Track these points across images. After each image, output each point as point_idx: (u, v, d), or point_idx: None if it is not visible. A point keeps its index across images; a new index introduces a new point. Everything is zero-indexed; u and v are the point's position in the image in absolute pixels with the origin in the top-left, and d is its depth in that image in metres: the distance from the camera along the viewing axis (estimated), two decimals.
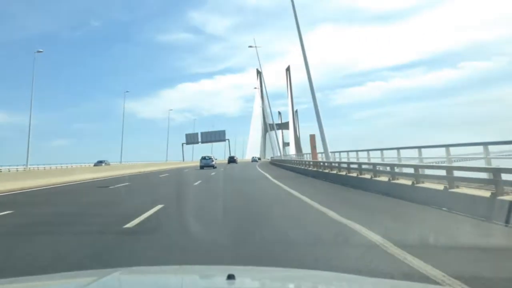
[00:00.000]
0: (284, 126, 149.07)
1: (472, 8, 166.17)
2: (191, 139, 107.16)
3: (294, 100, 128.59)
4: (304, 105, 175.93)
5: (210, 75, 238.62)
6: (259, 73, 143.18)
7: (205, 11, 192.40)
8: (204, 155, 45.54)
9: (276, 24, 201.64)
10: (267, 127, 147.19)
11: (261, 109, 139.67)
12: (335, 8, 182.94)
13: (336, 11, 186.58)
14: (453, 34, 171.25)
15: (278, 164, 41.15)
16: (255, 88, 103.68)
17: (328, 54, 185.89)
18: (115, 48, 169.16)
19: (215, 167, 40.09)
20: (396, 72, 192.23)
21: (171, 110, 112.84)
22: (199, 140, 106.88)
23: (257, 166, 40.64)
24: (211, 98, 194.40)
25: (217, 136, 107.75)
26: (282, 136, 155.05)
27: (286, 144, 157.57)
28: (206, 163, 42.02)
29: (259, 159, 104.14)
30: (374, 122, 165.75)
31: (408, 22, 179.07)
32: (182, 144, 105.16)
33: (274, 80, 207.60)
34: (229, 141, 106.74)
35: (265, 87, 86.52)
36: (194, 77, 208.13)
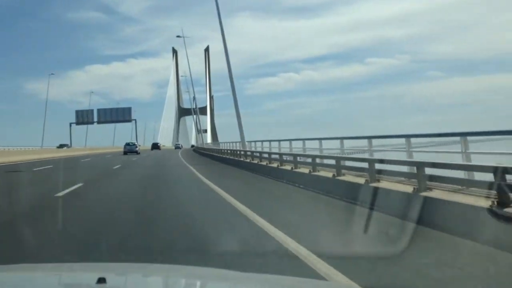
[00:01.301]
0: (200, 111, 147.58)
1: (379, 6, 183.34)
2: (83, 117, 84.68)
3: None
4: (220, 93, 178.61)
5: (122, 57, 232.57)
6: (174, 52, 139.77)
7: None
8: (128, 141, 52.80)
9: (194, 9, 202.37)
10: (182, 113, 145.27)
11: (175, 92, 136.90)
12: None
13: (255, 1, 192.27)
14: (362, 30, 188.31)
15: (203, 153, 39.69)
16: (181, 76, 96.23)
17: (244, 43, 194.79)
18: (18, 24, 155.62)
19: (139, 153, 44.14)
20: (308, 65, 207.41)
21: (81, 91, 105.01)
22: (95, 119, 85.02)
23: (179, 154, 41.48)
24: (123, 82, 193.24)
25: (120, 115, 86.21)
26: (199, 122, 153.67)
27: (204, 131, 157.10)
28: (130, 149, 46.49)
29: (181, 146, 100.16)
30: (287, 113, 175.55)
31: (321, 16, 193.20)
32: (70, 124, 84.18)
33: (191, 66, 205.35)
34: (136, 122, 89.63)
35: (182, 76, 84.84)
36: (105, 59, 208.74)
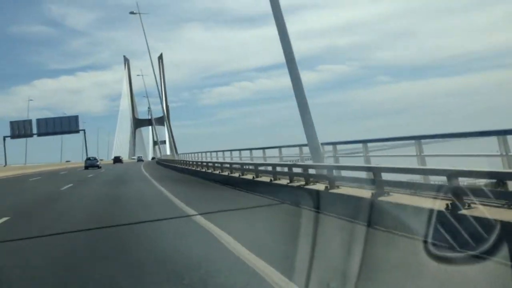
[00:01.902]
0: (157, 122, 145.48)
1: (328, 16, 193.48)
2: (19, 129, 73.73)
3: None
4: (174, 103, 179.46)
5: (71, 71, 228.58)
6: (126, 60, 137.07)
7: (63, 3, 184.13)
8: (89, 156, 57.16)
9: (143, 21, 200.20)
10: (137, 124, 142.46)
11: (129, 103, 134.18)
12: (203, 8, 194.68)
13: (204, 11, 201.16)
14: (313, 38, 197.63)
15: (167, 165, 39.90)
16: (139, 74, 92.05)
17: (196, 54, 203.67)
18: None
19: (100, 167, 45.70)
20: (261, 73, 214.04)
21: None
22: (34, 131, 73.94)
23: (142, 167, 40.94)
24: (73, 96, 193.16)
25: (66, 125, 74.26)
26: (156, 133, 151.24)
27: (161, 142, 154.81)
28: (91, 163, 48.22)
29: (153, 158, 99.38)
30: (241, 122, 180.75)
31: (272, 25, 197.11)
32: (4, 138, 73.94)
33: (143, 78, 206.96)
34: (84, 132, 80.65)
35: (133, 85, 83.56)
36: (53, 73, 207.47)
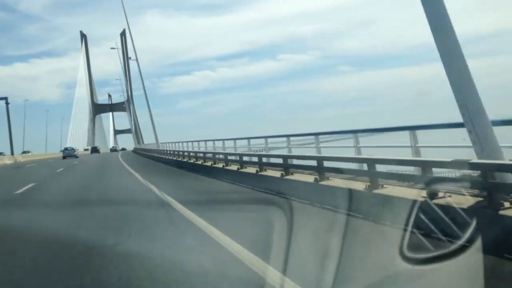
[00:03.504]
0: (118, 108, 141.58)
1: (289, 3, 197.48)
2: None
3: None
4: (134, 92, 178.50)
5: (25, 58, 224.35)
6: (83, 36, 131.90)
7: None
8: (67, 146, 63.66)
9: (100, 6, 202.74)
10: (96, 110, 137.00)
11: (87, 84, 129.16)
12: None
13: None
14: (273, 27, 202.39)
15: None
16: (113, 48, 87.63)
17: (155, 41, 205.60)
18: None
19: (77, 157, 49.92)
20: (223, 62, 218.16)
21: None
22: None
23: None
24: (28, 83, 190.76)
25: None
26: (113, 121, 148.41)
27: (122, 131, 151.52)
28: (69, 153, 51.82)
29: (123, 149, 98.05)
30: (202, 111, 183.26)
31: (232, 13, 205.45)
32: None
33: (103, 66, 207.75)
34: (7, 101, 63.69)
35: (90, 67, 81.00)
36: (5, 60, 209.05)
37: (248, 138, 16.38)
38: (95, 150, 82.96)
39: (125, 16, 38.89)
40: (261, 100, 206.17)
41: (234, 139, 17.91)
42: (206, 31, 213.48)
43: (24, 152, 79.04)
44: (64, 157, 49.82)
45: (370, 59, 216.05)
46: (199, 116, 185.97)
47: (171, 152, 28.99)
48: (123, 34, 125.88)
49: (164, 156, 29.90)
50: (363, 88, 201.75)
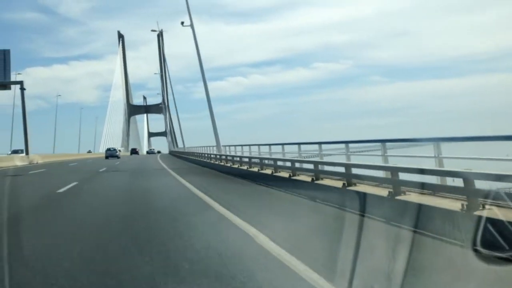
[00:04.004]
0: (154, 110, 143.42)
1: (323, 12, 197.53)
2: None
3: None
4: (169, 96, 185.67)
5: (64, 60, 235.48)
6: (120, 37, 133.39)
7: None
8: (109, 146, 65.93)
9: (137, 12, 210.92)
10: (132, 111, 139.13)
11: (123, 86, 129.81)
12: (197, 1, 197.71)
13: (198, 4, 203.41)
14: (307, 35, 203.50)
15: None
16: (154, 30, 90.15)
17: (190, 47, 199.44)
18: None
19: (119, 157, 53.73)
20: (255, 69, 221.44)
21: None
22: None
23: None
24: (66, 85, 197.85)
25: None
26: (147, 123, 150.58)
27: (157, 134, 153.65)
28: (111, 154, 55.90)
29: (158, 151, 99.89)
30: (234, 117, 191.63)
31: (267, 21, 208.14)
32: None
33: (135, 70, 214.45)
34: (22, 86, 50.10)
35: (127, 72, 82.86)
36: (46, 61, 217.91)
37: (299, 144, 14.87)
38: (134, 151, 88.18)
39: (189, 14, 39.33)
40: (292, 108, 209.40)
41: (282, 144, 16.52)
42: (240, 38, 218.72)
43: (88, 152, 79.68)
44: (106, 157, 53.50)
45: (402, 70, 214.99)
46: (231, 121, 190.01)
47: (216, 156, 26.81)
48: (160, 35, 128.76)
49: (208, 161, 28.16)
50: (395, 98, 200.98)
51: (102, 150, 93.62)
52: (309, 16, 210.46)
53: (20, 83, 51.04)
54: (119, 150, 64.45)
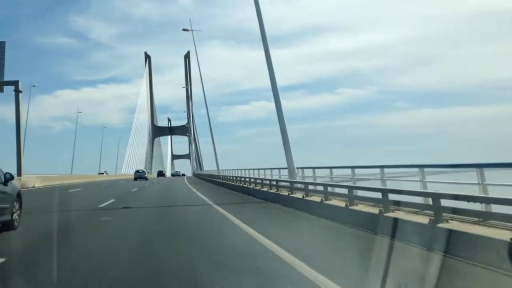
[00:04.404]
0: (178, 131, 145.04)
1: (348, 38, 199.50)
2: None
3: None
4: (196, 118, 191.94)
5: (93, 83, 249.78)
6: (147, 57, 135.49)
7: (89, 16, 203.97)
8: (138, 168, 67.35)
9: (164, 37, 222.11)
10: (156, 133, 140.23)
11: (148, 107, 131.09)
12: (223, 27, 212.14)
13: (225, 30, 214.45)
14: (333, 61, 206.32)
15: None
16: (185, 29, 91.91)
17: (215, 71, 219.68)
18: None
19: (147, 179, 55.38)
20: (280, 93, 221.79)
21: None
22: None
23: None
24: (93, 107, 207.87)
25: None
26: (171, 145, 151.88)
27: (180, 157, 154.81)
28: (140, 175, 57.25)
29: (183, 174, 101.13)
30: (258, 140, 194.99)
31: (292, 46, 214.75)
32: None
33: (161, 94, 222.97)
34: (17, 91, 41.67)
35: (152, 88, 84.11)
36: (75, 84, 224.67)
37: (330, 168, 14.83)
38: (161, 174, 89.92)
39: None
40: (316, 133, 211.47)
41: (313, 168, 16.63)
42: (264, 63, 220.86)
43: (100, 173, 79.57)
44: (135, 179, 54.71)
45: (428, 96, 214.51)
46: (254, 145, 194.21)
47: (244, 179, 26.57)
48: (187, 56, 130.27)
49: (236, 184, 27.81)
50: (421, 125, 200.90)
51: (124, 171, 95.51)
52: (334, 42, 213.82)
53: (15, 83, 41.38)
54: (148, 173, 66.70)
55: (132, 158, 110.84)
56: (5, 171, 9.66)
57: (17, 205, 9.82)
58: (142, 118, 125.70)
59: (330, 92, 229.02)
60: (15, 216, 9.60)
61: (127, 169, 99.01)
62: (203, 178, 55.61)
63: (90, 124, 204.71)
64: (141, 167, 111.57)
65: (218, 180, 38.54)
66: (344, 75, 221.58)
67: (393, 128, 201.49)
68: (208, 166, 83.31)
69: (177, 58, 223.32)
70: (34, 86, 56.65)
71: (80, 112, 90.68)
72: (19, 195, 10.06)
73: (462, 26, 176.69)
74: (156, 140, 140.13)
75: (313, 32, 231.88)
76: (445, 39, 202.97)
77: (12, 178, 9.69)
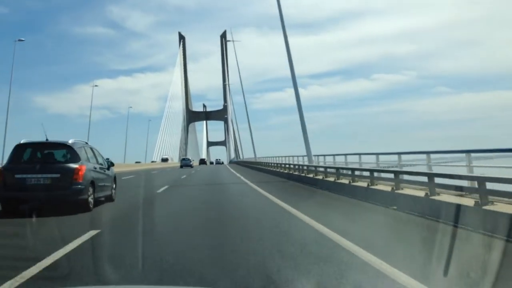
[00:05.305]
0: (214, 116, 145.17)
1: (385, 22, 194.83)
2: None
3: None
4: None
5: (129, 72, 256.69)
6: (181, 38, 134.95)
7: (125, 6, 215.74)
8: (184, 157, 79.99)
9: (198, 26, 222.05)
10: (191, 118, 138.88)
11: (182, 89, 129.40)
12: (257, 14, 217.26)
13: (258, 17, 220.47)
14: (368, 46, 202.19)
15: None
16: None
17: (250, 58, 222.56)
18: (24, 38, 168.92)
19: (192, 167, 62.79)
20: (315, 80, 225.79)
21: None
22: None
23: None
24: (130, 96, 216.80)
25: None
26: (207, 132, 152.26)
27: (216, 144, 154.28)
28: (186, 163, 66.12)
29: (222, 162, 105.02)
30: (292, 128, 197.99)
31: (328, 32, 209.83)
32: None
33: (194, 82, 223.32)
34: None
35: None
36: (112, 74, 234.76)
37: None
38: (202, 161, 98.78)
39: None
40: (352, 119, 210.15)
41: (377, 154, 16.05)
42: (300, 49, 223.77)
43: (137, 162, 79.20)
44: (181, 166, 63.13)
45: (469, 81, 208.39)
46: (288, 132, 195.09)
47: (299, 167, 25.19)
48: (223, 36, 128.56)
49: (285, 171, 27.37)
50: (462, 110, 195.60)
51: (155, 159, 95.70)
52: (371, 27, 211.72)
53: None
54: (193, 161, 76.21)
55: (164, 145, 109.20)
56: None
57: (114, 185, 13.23)
58: (176, 106, 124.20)
59: (366, 78, 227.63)
60: (113, 192, 13.06)
61: (158, 157, 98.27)
62: (246, 166, 56.72)
63: (126, 113, 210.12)
64: (175, 154, 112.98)
65: (268, 168, 37.21)
66: (381, 60, 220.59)
67: (432, 113, 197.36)
68: (246, 154, 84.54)
69: (211, 45, 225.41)
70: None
71: (130, 108, 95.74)
72: (115, 178, 13.49)
73: (506, 8, 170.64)
74: (191, 127, 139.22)
75: (349, 17, 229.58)
76: (486, 22, 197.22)
77: (112, 164, 13.37)
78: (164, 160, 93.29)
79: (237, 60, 54.16)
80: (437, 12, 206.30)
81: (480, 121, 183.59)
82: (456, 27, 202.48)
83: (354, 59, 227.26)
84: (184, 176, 32.41)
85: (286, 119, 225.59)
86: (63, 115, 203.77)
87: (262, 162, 43.81)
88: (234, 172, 38.14)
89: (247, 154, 79.70)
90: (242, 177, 28.16)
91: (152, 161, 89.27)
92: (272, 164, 36.03)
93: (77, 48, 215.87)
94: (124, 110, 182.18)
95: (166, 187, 19.47)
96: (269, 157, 39.84)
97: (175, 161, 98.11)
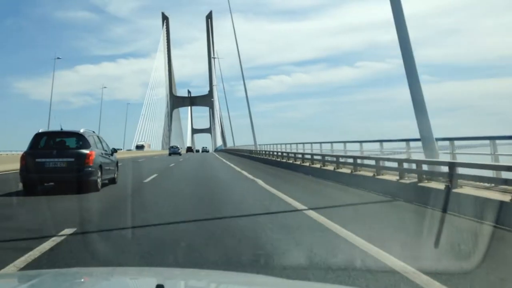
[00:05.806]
0: (199, 101, 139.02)
1: (369, 10, 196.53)
2: None
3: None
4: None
5: (112, 58, 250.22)
6: (164, 18, 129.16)
7: None
8: (173, 145, 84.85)
9: (183, 10, 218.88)
10: (175, 104, 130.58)
11: (165, 73, 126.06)
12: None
13: (243, 3, 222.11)
14: (353, 34, 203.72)
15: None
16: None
17: (234, 45, 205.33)
18: (5, 21, 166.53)
19: (181, 154, 65.69)
20: (299, 67, 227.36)
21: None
22: None
23: None
24: (113, 82, 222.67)
25: None
26: (191, 119, 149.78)
27: (200, 131, 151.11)
28: (174, 151, 69.56)
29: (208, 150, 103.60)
30: (276, 115, 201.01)
31: (312, 19, 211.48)
32: None
33: (182, 68, 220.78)
34: None
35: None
36: (94, 59, 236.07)
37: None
38: (189, 149, 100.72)
39: None
40: (336, 107, 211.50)
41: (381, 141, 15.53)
42: (284, 36, 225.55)
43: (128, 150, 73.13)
44: (169, 154, 65.59)
45: (452, 69, 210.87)
46: (273, 119, 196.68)
47: (287, 154, 26.11)
48: (209, 17, 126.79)
49: (278, 159, 27.80)
50: (444, 98, 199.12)
51: (133, 148, 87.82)
52: (355, 14, 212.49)
53: None
54: (181, 148, 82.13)
55: (145, 133, 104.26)
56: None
57: (116, 169, 14.97)
58: (159, 93, 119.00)
59: (351, 66, 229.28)
60: (116, 175, 14.78)
61: (136, 144, 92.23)
62: (233, 153, 56.68)
63: (110, 99, 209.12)
64: (158, 142, 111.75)
65: (256, 156, 38.13)
66: (365, 48, 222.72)
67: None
68: (230, 142, 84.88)
69: (196, 32, 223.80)
70: (58, 58, 58.86)
71: (104, 88, 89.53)
72: (117, 163, 15.35)
73: None
74: (175, 114, 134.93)
75: (333, 4, 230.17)
76: (470, 10, 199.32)
77: (116, 151, 15.22)
78: (139, 147, 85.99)
79: (235, 39, 53.72)
80: (417, 0, 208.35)
81: (463, 110, 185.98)
82: (437, 16, 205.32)
83: (338, 46, 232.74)
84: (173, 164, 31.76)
85: (271, 107, 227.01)
86: (43, 102, 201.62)
87: (252, 150, 44.59)
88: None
89: (235, 142, 79.25)
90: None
91: (128, 150, 78.20)
92: (263, 152, 36.56)
93: (58, 33, 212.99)
94: (106, 96, 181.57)
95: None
96: (264, 144, 40.75)
97: (154, 148, 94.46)
